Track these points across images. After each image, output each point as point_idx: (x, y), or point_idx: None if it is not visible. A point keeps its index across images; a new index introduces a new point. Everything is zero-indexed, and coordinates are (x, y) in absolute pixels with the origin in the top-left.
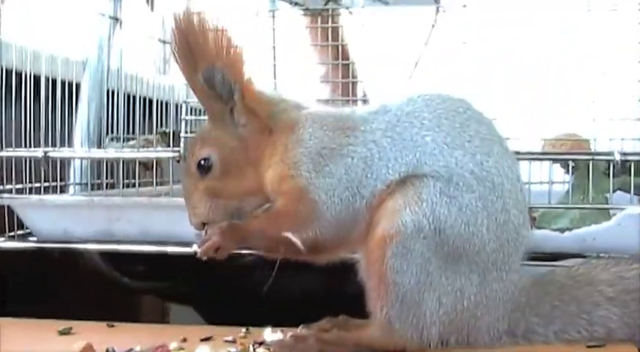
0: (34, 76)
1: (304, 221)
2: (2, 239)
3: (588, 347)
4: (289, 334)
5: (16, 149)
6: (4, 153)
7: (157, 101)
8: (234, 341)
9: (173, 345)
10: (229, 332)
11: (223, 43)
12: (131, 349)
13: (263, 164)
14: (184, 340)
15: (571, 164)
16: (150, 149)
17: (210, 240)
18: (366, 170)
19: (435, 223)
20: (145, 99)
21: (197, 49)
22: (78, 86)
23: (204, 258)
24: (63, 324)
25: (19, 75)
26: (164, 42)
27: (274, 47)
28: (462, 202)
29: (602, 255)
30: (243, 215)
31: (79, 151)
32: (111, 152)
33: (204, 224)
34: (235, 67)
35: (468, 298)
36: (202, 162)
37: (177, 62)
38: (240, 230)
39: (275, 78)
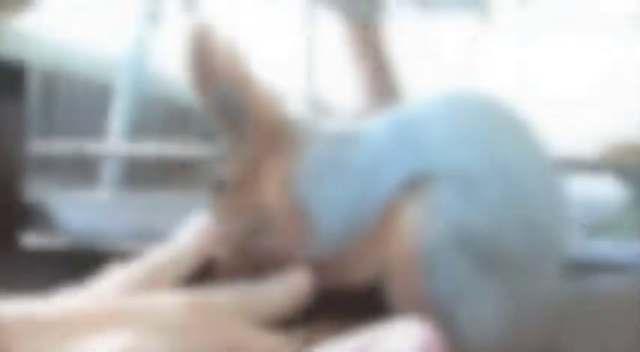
0: (69, 74)
1: (302, 237)
2: (33, 238)
3: None
4: None
5: (49, 144)
6: (35, 149)
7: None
8: None
9: None
10: None
11: (241, 60)
12: None
13: (267, 181)
14: None
15: (626, 172)
16: (185, 147)
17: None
18: (369, 177)
19: (456, 228)
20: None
21: (212, 64)
22: (113, 85)
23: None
24: None
25: (53, 73)
26: None
27: (314, 56)
28: (480, 197)
29: None
30: (254, 233)
31: (113, 145)
32: (145, 147)
33: None
34: (250, 85)
35: (503, 307)
36: (216, 178)
37: (190, 75)
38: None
39: (314, 88)
